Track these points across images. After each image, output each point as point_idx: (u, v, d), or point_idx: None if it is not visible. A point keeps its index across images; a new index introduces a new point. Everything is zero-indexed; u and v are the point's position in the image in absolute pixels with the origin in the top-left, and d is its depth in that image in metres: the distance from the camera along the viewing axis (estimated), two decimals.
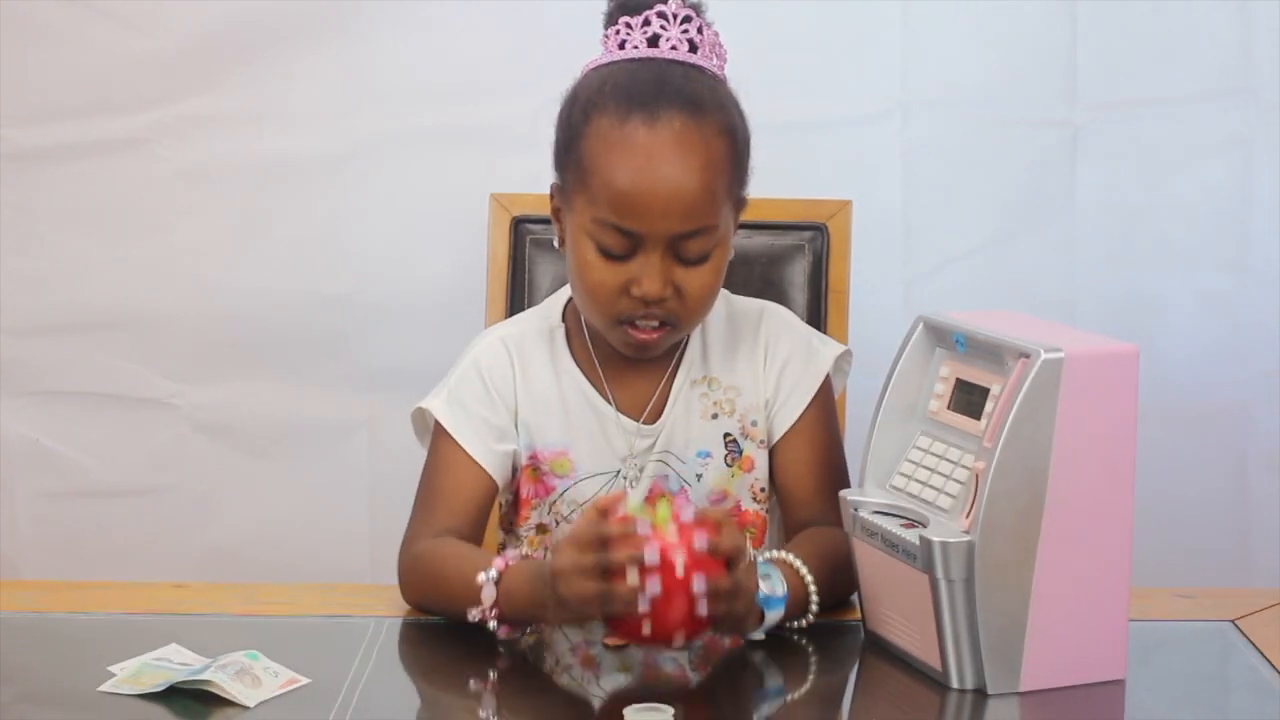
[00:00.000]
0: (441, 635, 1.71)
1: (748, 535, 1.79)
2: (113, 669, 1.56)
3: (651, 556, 1.48)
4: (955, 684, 1.56)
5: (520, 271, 2.19)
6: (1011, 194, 2.66)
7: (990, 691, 1.55)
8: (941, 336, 1.66)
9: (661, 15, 1.76)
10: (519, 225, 2.20)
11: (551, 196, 1.83)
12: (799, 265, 2.17)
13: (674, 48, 1.76)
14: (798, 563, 1.67)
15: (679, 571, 1.49)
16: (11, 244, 2.63)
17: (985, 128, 2.65)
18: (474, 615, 1.62)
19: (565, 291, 1.90)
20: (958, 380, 1.63)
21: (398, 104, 2.62)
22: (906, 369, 1.67)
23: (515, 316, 1.97)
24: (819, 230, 2.19)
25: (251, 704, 1.51)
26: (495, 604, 1.62)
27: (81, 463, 2.69)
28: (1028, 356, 1.52)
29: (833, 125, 2.63)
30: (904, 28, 2.62)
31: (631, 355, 1.80)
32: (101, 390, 2.68)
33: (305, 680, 1.55)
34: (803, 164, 2.51)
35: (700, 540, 1.51)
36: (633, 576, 1.48)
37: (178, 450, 2.69)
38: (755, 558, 1.62)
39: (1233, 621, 1.73)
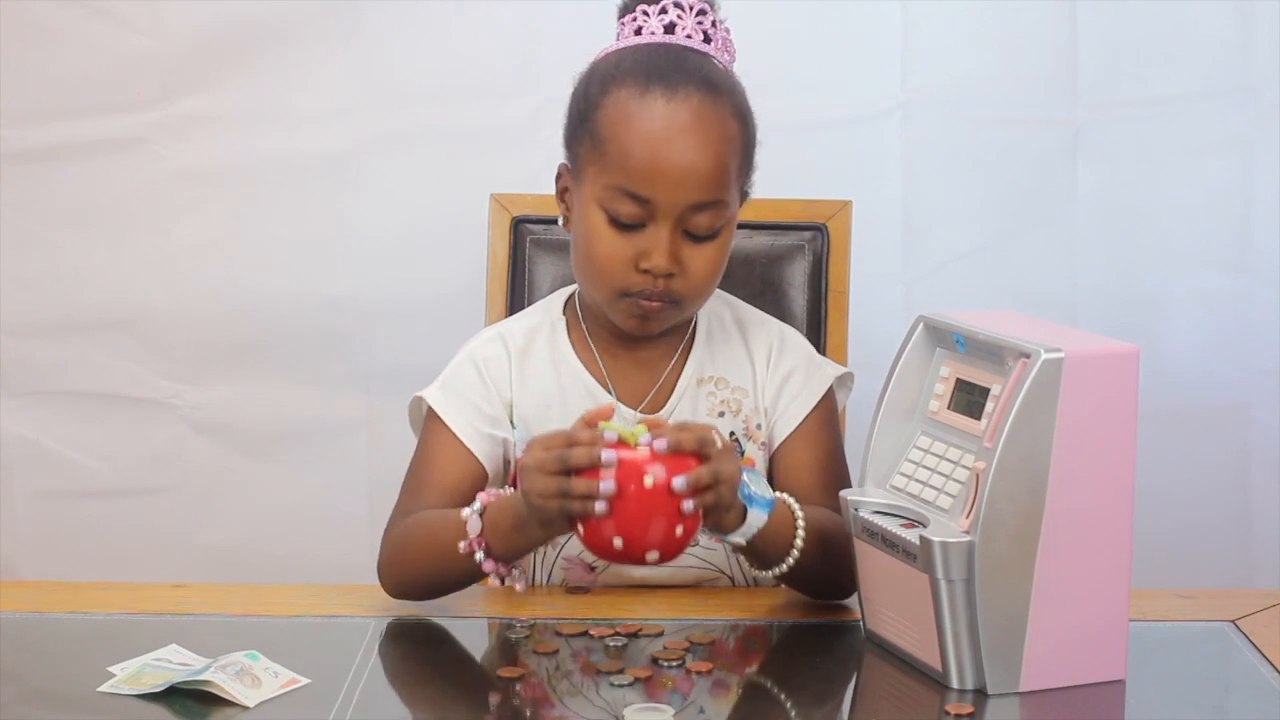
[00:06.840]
0: (442, 635, 1.71)
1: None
2: (113, 669, 1.56)
3: (608, 456, 1.52)
4: (955, 684, 1.56)
5: (520, 271, 2.19)
6: (1011, 194, 2.66)
7: (990, 691, 1.55)
8: (941, 336, 1.66)
9: (678, 5, 1.80)
10: (519, 225, 2.20)
11: (559, 177, 1.85)
12: (799, 265, 2.17)
13: (689, 36, 1.80)
14: (790, 499, 1.69)
15: (647, 481, 1.53)
16: (11, 244, 2.63)
17: (985, 128, 2.65)
18: (463, 546, 1.65)
19: (569, 288, 1.92)
20: (958, 380, 1.63)
21: (398, 104, 2.62)
22: (906, 369, 1.67)
23: (516, 314, 1.98)
24: (819, 230, 2.19)
25: (251, 704, 1.51)
26: (481, 534, 1.65)
27: (81, 463, 2.69)
28: (1028, 356, 1.52)
29: (833, 125, 2.63)
30: (904, 28, 2.62)
31: (632, 332, 1.81)
32: (101, 390, 2.68)
33: (305, 680, 1.55)
34: (803, 164, 2.51)
35: (660, 442, 1.54)
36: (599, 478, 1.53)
37: (177, 450, 2.69)
38: (744, 470, 1.64)
39: (1233, 621, 1.73)
